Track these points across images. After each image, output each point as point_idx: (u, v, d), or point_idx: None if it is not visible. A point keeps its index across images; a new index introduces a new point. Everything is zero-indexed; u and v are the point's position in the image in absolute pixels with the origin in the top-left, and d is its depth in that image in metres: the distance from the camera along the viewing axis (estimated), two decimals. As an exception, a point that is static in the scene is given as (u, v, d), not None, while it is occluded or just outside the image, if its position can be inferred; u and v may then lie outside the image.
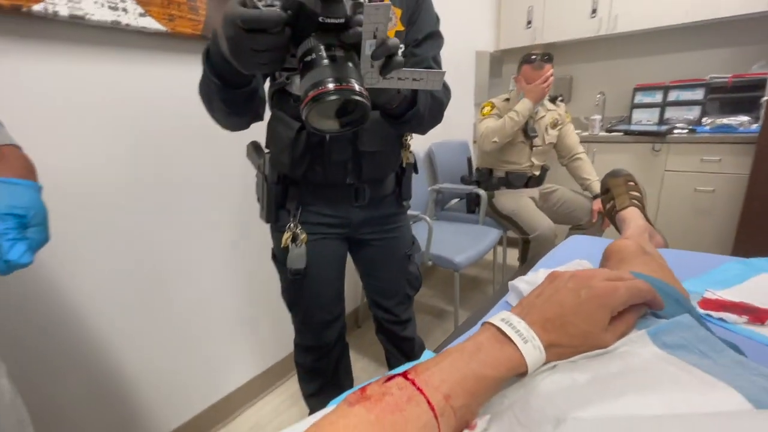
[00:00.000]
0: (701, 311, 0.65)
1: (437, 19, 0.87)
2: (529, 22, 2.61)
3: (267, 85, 0.83)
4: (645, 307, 0.39)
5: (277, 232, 0.89)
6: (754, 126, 1.89)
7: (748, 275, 0.78)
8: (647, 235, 0.93)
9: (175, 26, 0.99)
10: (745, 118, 1.97)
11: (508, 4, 2.68)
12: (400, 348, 1.11)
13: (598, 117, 2.43)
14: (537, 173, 1.94)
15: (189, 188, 1.13)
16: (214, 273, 1.24)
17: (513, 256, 2.56)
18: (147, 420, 1.14)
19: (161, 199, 1.08)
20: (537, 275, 0.68)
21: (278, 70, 0.64)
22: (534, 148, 1.87)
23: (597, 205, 1.80)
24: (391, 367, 1.20)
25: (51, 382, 0.94)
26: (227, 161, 1.20)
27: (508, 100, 1.86)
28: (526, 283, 0.67)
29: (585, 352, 0.35)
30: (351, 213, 0.90)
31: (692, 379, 0.30)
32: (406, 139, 0.93)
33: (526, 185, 1.94)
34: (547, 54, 1.73)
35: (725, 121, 2.01)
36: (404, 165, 0.95)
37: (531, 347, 0.34)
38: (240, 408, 1.40)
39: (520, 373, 0.34)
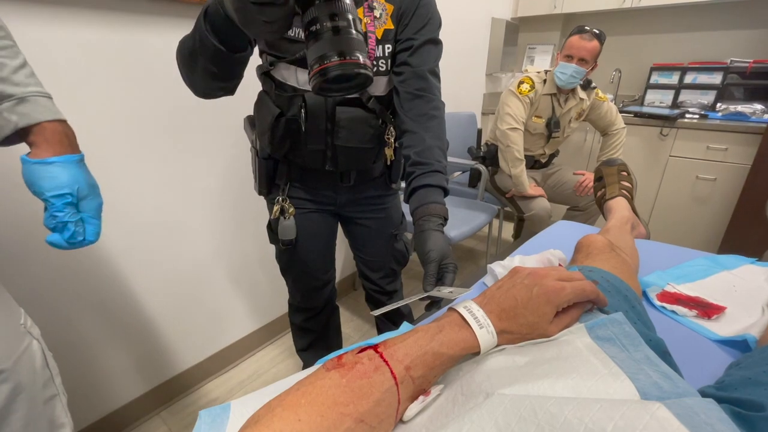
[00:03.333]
0: (657, 303, 0.71)
1: (439, 24, 0.80)
2: (551, -11, 2.49)
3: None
4: (590, 304, 0.46)
5: (270, 204, 0.95)
6: (766, 116, 1.86)
7: (712, 271, 0.83)
8: (629, 226, 0.98)
9: (182, -8, 0.99)
10: (759, 107, 1.93)
11: (530, -32, 2.55)
12: (387, 315, 1.20)
13: (611, 96, 2.38)
14: (545, 159, 1.96)
15: (198, 152, 1.19)
16: (218, 234, 1.33)
17: (509, 230, 2.62)
18: (159, 362, 1.28)
19: (171, 162, 1.14)
20: (513, 261, 0.74)
21: (285, 33, 0.62)
22: (551, 140, 1.87)
23: (583, 179, 1.82)
24: (379, 330, 1.30)
25: (70, 326, 1.05)
26: (233, 130, 1.24)
27: (545, 81, 1.75)
28: (502, 268, 0.73)
29: (532, 339, 0.42)
30: (337, 193, 0.94)
31: (604, 370, 0.36)
32: (389, 137, 0.89)
33: (532, 167, 1.96)
34: (600, 30, 1.64)
35: (739, 108, 1.97)
36: (388, 162, 0.94)
37: (485, 332, 0.41)
38: (242, 357, 1.54)
39: (473, 352, 0.41)
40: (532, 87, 1.73)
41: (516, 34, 2.75)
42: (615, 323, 0.42)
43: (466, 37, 2.34)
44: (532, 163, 1.95)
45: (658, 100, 2.30)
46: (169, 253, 1.21)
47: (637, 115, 2.21)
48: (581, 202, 1.89)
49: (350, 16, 0.42)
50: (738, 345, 0.59)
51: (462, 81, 2.44)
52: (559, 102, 1.78)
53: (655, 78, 2.30)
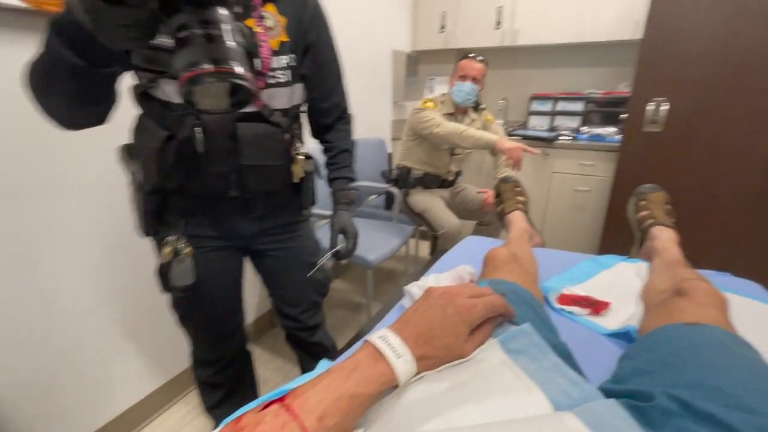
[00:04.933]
0: (557, 306, 0.77)
1: (335, 44, 0.89)
2: (443, 27, 2.74)
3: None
4: (500, 318, 0.46)
5: (158, 245, 0.81)
6: (618, 137, 2.24)
7: (597, 271, 0.94)
8: (527, 236, 1.07)
9: (40, 2, 0.86)
10: (612, 129, 2.32)
11: (423, 7, 2.78)
12: (310, 352, 1.12)
13: (501, 121, 2.67)
14: (451, 178, 2.08)
15: (54, 190, 1.01)
16: (89, 284, 1.13)
17: (426, 247, 2.72)
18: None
19: (21, 204, 0.94)
20: (427, 280, 0.74)
21: (147, 44, 0.57)
22: (454, 156, 2.01)
23: (486, 197, 1.96)
24: (303, 369, 1.21)
25: None
26: (103, 160, 1.09)
27: (443, 102, 1.92)
28: (418, 288, 0.73)
29: (449, 362, 0.41)
30: (242, 225, 0.85)
31: (519, 384, 0.36)
32: (296, 153, 0.86)
33: (440, 186, 2.07)
34: (483, 56, 1.87)
35: (598, 131, 2.34)
36: (296, 180, 0.89)
37: (403, 361, 0.38)
38: (143, 422, 1.31)
39: (392, 386, 0.38)
40: (435, 105, 1.89)
41: (416, 65, 2.96)
42: (524, 334, 0.43)
43: (372, 67, 2.45)
44: (440, 182, 2.06)
45: (539, 125, 2.63)
46: (30, 320, 0.99)
47: (524, 137, 2.49)
48: (486, 217, 2.05)
49: (225, 26, 0.39)
50: (624, 336, 0.66)
51: (371, 109, 2.53)
52: (456, 121, 1.94)
53: (535, 106, 2.64)
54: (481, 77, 1.87)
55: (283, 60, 0.76)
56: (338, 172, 0.99)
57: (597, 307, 0.75)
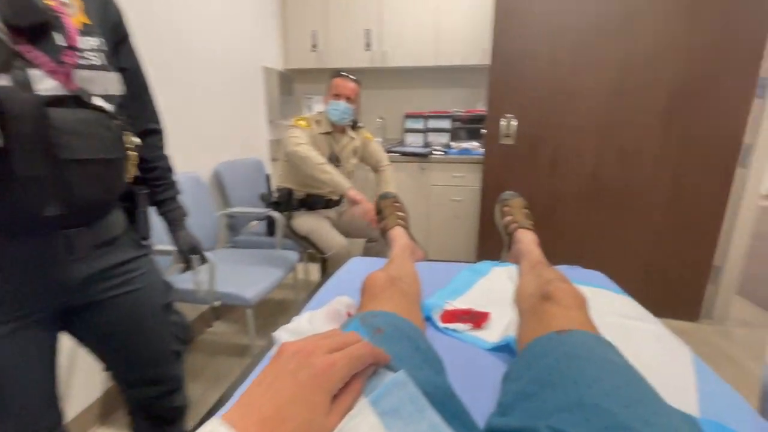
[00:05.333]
0: (441, 325, 0.74)
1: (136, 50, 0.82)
2: (314, 46, 2.71)
3: None
4: (371, 368, 0.38)
5: None
6: (481, 150, 2.49)
7: (475, 279, 0.95)
8: (409, 252, 1.04)
9: None
10: (476, 144, 2.57)
11: (293, 25, 2.71)
12: (166, 418, 0.90)
13: (380, 139, 2.73)
14: (336, 197, 2.01)
15: None
16: None
17: (316, 271, 2.59)
18: None
19: None
20: (300, 320, 0.64)
21: None
22: None
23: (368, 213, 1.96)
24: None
25: None
26: None
27: (318, 122, 1.86)
28: (289, 333, 0.62)
29: None
30: (62, 272, 0.64)
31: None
32: (128, 147, 0.72)
33: (325, 207, 1.98)
34: (355, 77, 1.86)
35: (464, 145, 2.57)
36: (132, 185, 0.76)
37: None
38: None
39: None
40: (309, 124, 1.82)
41: (291, 84, 2.86)
42: (399, 387, 0.36)
43: (242, 84, 2.27)
44: (325, 203, 1.98)
45: (414, 142, 2.77)
46: None
47: (401, 154, 2.59)
48: (375, 233, 2.03)
49: None
50: (505, 348, 0.66)
51: (245, 128, 2.33)
52: (334, 139, 1.90)
53: (409, 124, 2.78)
54: (355, 96, 1.86)
55: (92, 41, 0.64)
56: (166, 193, 0.91)
57: (478, 320, 0.74)
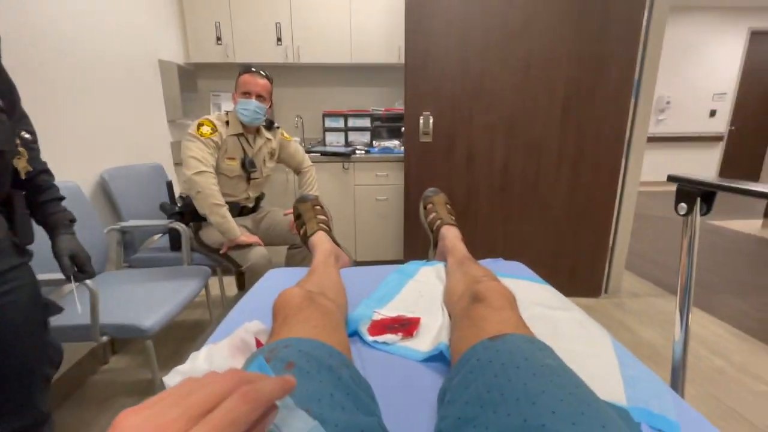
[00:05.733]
0: (369, 339, 0.67)
1: None
2: (219, 38, 2.46)
3: None
4: (272, 412, 0.29)
5: None
6: (401, 148, 2.49)
7: (404, 282, 0.90)
8: (333, 259, 0.96)
9: None
10: (397, 142, 2.56)
11: (192, 15, 2.44)
12: None
13: (297, 138, 2.58)
14: (252, 204, 1.84)
15: None
16: None
17: (233, 283, 2.37)
18: None
19: None
20: (197, 359, 0.52)
21: None
22: (252, 181, 1.76)
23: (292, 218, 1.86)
24: None
25: None
26: None
27: (227, 123, 1.65)
28: (182, 376, 0.49)
29: None
30: None
31: None
32: (17, 144, 0.74)
33: (240, 214, 1.80)
34: (265, 72, 1.69)
35: (386, 143, 2.55)
36: (22, 177, 0.77)
37: None
38: None
39: None
40: (214, 129, 1.60)
41: (194, 79, 2.57)
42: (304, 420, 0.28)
43: (135, 80, 1.97)
44: (239, 210, 1.80)
45: (335, 141, 2.68)
46: None
47: (322, 154, 2.48)
48: (298, 239, 1.90)
49: None
50: (439, 358, 0.61)
51: (141, 129, 2.02)
52: (248, 142, 1.72)
53: (329, 123, 2.67)
54: (267, 94, 1.69)
55: None
56: (48, 194, 0.88)
57: (408, 327, 0.69)
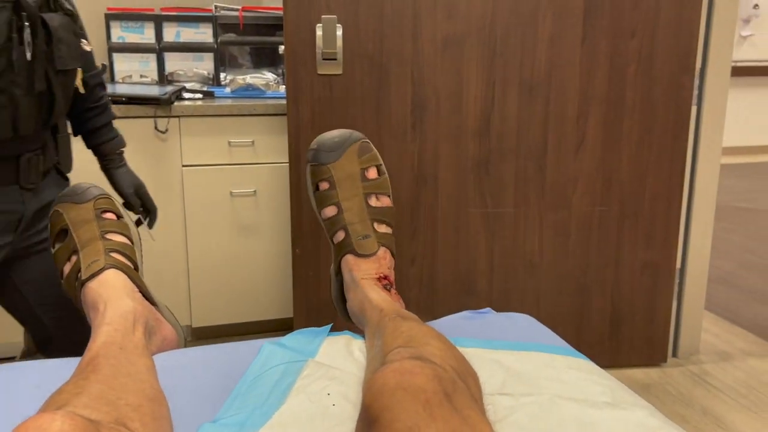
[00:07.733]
0: None
1: None
2: None
3: None
4: None
5: None
6: (282, 88, 1.36)
7: (292, 375, 0.43)
8: (141, 332, 0.46)
9: None
10: (270, 76, 1.42)
11: None
12: None
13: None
14: None
15: None
16: None
17: None
18: None
19: None
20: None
21: None
22: None
23: None
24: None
25: None
26: None
27: None
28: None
29: None
30: (20, 202, 0.67)
31: None
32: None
33: None
34: None
35: (249, 79, 1.38)
36: (81, 92, 0.77)
37: None
38: None
39: None
40: None
41: None
42: None
43: None
44: None
45: (136, 73, 1.41)
46: None
47: (112, 99, 1.22)
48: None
49: None
50: None
51: None
52: None
53: (120, 34, 1.40)
54: None
55: None
56: (105, 117, 0.84)
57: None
